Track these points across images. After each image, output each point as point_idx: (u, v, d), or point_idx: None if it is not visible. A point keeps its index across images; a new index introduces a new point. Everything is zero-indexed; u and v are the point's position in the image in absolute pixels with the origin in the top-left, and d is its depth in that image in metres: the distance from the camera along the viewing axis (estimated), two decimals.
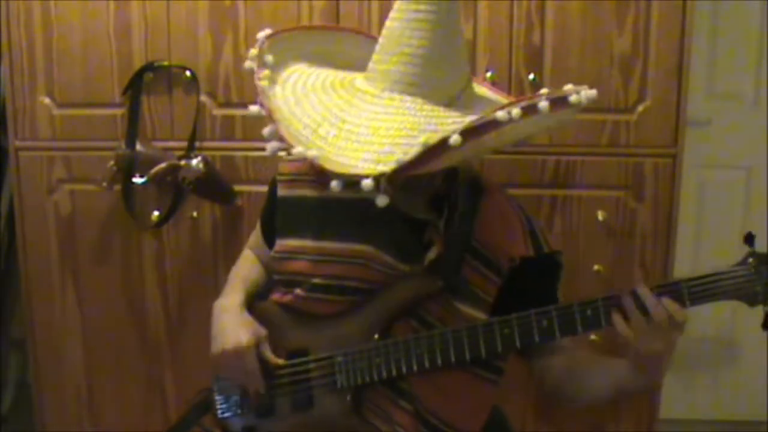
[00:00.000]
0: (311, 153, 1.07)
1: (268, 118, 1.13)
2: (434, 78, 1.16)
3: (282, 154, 1.23)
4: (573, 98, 1.07)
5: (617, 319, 1.15)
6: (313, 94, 1.20)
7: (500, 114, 1.02)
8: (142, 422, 1.96)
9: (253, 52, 1.22)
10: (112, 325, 1.93)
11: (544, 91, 1.09)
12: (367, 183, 1.02)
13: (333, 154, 1.08)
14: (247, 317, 1.33)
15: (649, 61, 1.73)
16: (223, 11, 1.79)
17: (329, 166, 1.05)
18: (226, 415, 1.37)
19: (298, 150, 1.08)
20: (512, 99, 1.32)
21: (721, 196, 2.55)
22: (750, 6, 2.41)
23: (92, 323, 1.94)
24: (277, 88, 1.21)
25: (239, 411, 1.36)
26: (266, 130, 1.14)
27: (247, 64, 1.22)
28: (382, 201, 1.03)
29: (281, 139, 1.11)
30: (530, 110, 1.04)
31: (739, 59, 2.46)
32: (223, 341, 1.30)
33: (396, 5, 1.17)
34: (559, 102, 1.06)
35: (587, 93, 1.09)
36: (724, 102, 2.49)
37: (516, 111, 1.03)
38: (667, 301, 1.13)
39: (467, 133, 1.02)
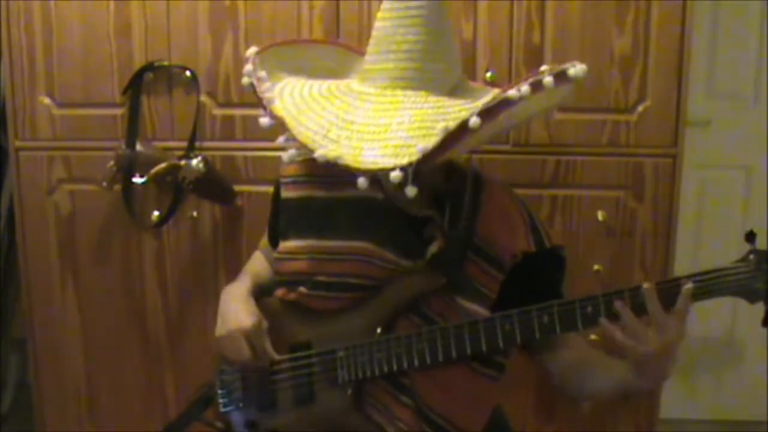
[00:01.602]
0: (333, 154, 1.09)
1: (280, 126, 1.17)
2: (433, 71, 1.18)
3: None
4: (571, 71, 1.10)
5: (604, 321, 1.15)
6: (314, 103, 1.21)
7: (512, 92, 1.06)
8: (142, 422, 1.96)
9: (248, 68, 1.24)
10: (112, 325, 1.93)
11: (544, 68, 1.12)
12: (396, 175, 1.04)
13: (349, 155, 1.10)
14: (253, 305, 1.34)
15: (649, 61, 1.73)
16: (223, 11, 1.78)
17: (354, 164, 1.08)
18: (228, 409, 1.38)
19: (320, 152, 1.10)
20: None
21: (721, 196, 2.55)
22: (750, 6, 2.41)
23: (92, 323, 1.94)
24: (276, 102, 1.23)
25: (241, 405, 1.36)
26: (281, 139, 1.19)
27: (245, 80, 1.25)
28: (411, 192, 1.06)
29: (297, 145, 1.14)
30: (537, 86, 1.07)
31: (739, 59, 2.46)
32: (227, 323, 1.31)
33: (385, 5, 1.20)
34: (560, 76, 1.09)
35: (580, 67, 1.12)
36: (724, 102, 2.50)
37: (525, 88, 1.07)
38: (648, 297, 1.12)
39: (484, 114, 1.05)
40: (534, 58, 1.73)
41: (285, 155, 1.17)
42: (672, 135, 1.75)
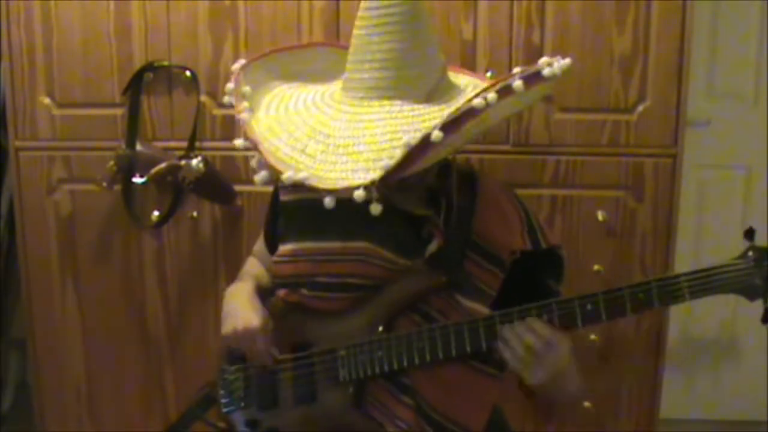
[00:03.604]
0: (301, 175, 1.10)
1: (254, 148, 1.17)
2: (409, 78, 1.17)
3: None
4: (546, 72, 1.09)
5: (501, 345, 1.19)
6: (297, 116, 1.23)
7: (477, 102, 1.05)
8: (142, 422, 1.96)
9: (229, 86, 1.25)
10: (112, 325, 1.93)
11: (517, 69, 1.11)
12: (359, 194, 1.05)
13: (323, 170, 1.11)
14: (258, 304, 1.34)
15: (649, 61, 1.73)
16: (223, 11, 1.78)
17: (320, 184, 1.09)
18: (229, 408, 1.38)
19: (287, 175, 1.11)
20: (490, 81, 1.34)
21: (721, 196, 2.55)
22: (750, 6, 2.41)
23: (92, 323, 1.94)
24: (261, 114, 1.25)
25: (242, 405, 1.36)
26: (254, 161, 1.20)
27: (226, 99, 1.26)
28: (375, 209, 1.07)
29: (270, 167, 1.15)
30: (505, 92, 1.06)
31: (739, 59, 2.46)
32: (235, 322, 1.30)
33: (360, 12, 1.20)
34: (532, 78, 1.08)
35: (562, 63, 1.11)
36: (724, 102, 2.50)
37: (491, 96, 1.05)
38: (531, 320, 1.16)
39: (447, 126, 1.04)
40: (534, 58, 1.72)
41: (257, 177, 1.18)
42: (672, 135, 1.75)
